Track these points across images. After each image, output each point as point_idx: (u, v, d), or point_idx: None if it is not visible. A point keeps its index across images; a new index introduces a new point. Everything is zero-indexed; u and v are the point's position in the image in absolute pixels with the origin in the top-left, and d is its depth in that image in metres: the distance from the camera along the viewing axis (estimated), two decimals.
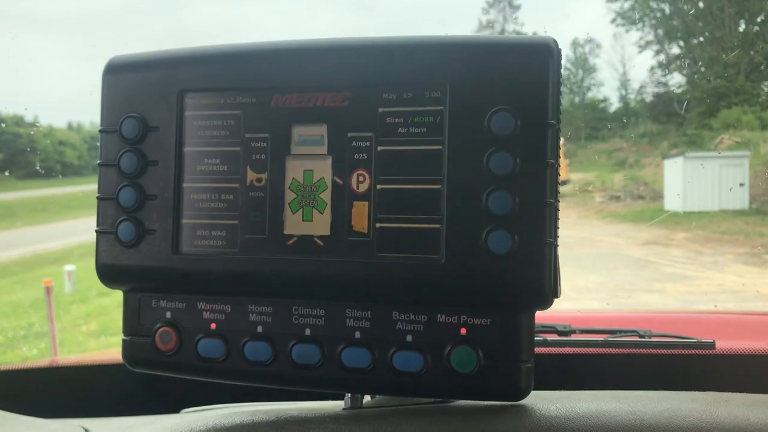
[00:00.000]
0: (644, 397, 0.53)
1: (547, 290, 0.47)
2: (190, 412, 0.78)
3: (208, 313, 0.54)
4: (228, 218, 0.52)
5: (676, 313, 1.19)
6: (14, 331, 5.28)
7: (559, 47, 0.48)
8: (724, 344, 0.86)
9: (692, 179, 9.17)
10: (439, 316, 0.50)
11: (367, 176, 0.50)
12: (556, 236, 0.48)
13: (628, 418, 0.47)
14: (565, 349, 0.88)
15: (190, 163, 0.53)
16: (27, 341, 5.02)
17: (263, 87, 0.52)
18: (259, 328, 0.52)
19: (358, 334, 0.51)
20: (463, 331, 0.49)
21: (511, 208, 0.47)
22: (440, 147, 0.49)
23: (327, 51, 0.51)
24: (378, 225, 0.50)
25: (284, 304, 0.52)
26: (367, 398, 0.56)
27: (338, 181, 0.51)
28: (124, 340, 0.56)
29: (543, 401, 0.51)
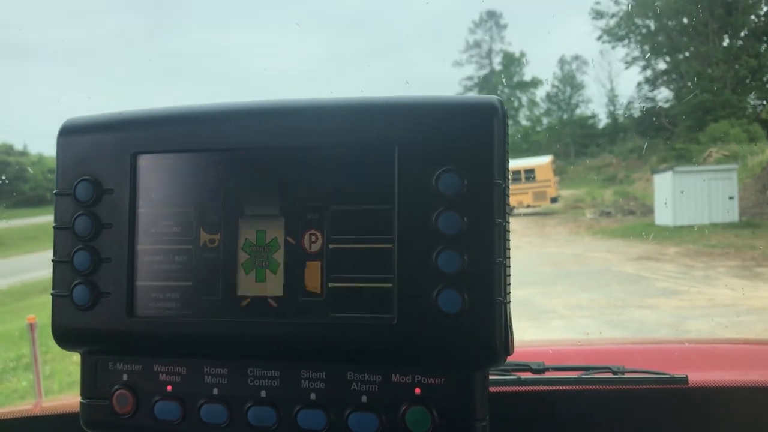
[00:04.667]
0: None
1: (499, 349, 0.47)
2: None
3: (164, 375, 0.53)
4: (182, 279, 0.52)
5: (649, 345, 1.19)
6: (4, 363, 5.24)
7: (505, 107, 0.49)
8: (696, 377, 0.86)
9: (681, 193, 9.21)
10: (393, 376, 0.50)
11: (319, 236, 0.50)
12: (506, 294, 0.48)
13: None
14: (539, 387, 0.88)
15: (143, 225, 0.53)
16: (16, 373, 4.98)
17: (213, 147, 0.52)
18: (215, 390, 0.52)
19: (313, 396, 0.51)
20: (418, 390, 0.49)
21: (459, 266, 0.47)
22: (390, 206, 0.49)
23: (277, 112, 0.52)
24: (331, 285, 0.50)
25: (239, 365, 0.52)
26: None
27: (291, 241, 0.51)
28: (81, 403, 0.55)
29: None
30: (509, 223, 0.49)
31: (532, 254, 9.12)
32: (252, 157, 0.51)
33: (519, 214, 11.97)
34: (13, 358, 5.30)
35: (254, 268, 0.51)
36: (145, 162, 0.53)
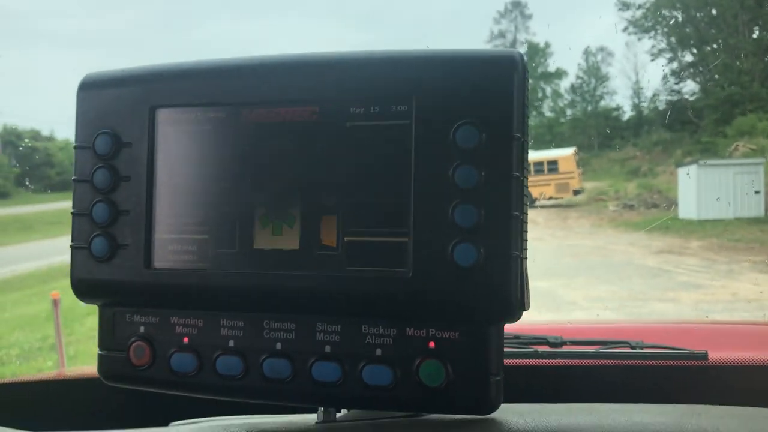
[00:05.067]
0: (617, 410, 0.52)
1: (514, 303, 0.47)
2: (178, 425, 0.79)
3: (180, 327, 0.54)
4: (199, 232, 0.53)
5: (669, 324, 1.17)
6: (30, 344, 5.33)
7: (525, 61, 0.48)
8: (716, 355, 0.85)
9: (706, 187, 9.10)
10: (408, 329, 0.50)
11: (334, 189, 0.50)
12: (522, 249, 0.48)
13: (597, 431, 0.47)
14: (556, 360, 0.88)
15: (161, 178, 0.53)
16: (42, 353, 5.06)
17: (232, 102, 0.52)
18: (231, 343, 0.53)
19: (328, 348, 0.51)
20: (432, 344, 0.49)
21: (476, 220, 0.47)
22: (407, 159, 0.48)
23: (295, 66, 0.51)
24: (347, 239, 0.50)
25: (255, 318, 0.52)
26: (342, 412, 0.56)
27: (307, 194, 0.51)
28: (99, 355, 0.56)
29: (512, 414, 0.50)
30: (527, 178, 0.49)
31: (554, 246, 9.07)
32: (267, 111, 0.51)
33: (541, 206, 11.89)
34: (38, 339, 5.39)
35: (271, 222, 0.51)
36: (163, 116, 0.53)
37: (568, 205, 11.91)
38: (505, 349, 0.90)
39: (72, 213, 0.55)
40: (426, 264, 0.48)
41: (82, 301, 0.55)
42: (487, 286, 0.47)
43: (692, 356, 0.84)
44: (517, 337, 0.92)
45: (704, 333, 1.04)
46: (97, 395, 0.86)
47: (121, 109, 0.54)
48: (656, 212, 10.79)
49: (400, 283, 0.48)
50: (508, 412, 0.51)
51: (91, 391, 0.86)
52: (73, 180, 0.55)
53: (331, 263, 0.50)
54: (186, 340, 0.53)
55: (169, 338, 0.54)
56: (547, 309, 5.62)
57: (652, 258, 8.16)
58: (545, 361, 0.88)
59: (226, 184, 0.52)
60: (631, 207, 11.10)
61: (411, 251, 0.48)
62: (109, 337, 0.56)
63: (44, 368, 4.66)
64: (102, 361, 0.56)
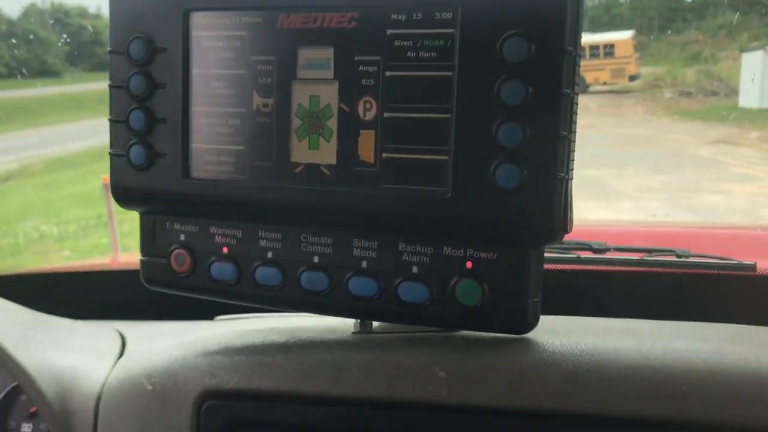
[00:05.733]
0: (656, 332, 0.51)
1: (556, 227, 0.45)
2: (222, 319, 0.81)
3: (220, 237, 0.54)
4: (236, 143, 0.52)
5: (718, 230, 1.14)
6: (86, 221, 5.53)
7: None
8: (765, 265, 0.83)
9: None
10: (445, 248, 0.49)
11: (374, 103, 0.48)
12: (568, 170, 0.46)
13: (632, 357, 0.46)
14: (599, 267, 0.87)
15: (197, 86, 0.52)
16: (97, 230, 5.25)
17: (269, 6, 0.50)
18: (269, 254, 0.53)
19: (364, 264, 0.50)
20: (469, 264, 0.48)
21: (521, 140, 0.45)
22: (450, 73, 0.46)
23: None
24: (384, 155, 0.48)
25: (294, 231, 0.52)
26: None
27: (345, 108, 0.49)
28: (141, 260, 0.57)
29: (549, 335, 0.50)
30: (578, 95, 0.46)
31: (606, 134, 8.86)
32: (305, 16, 0.49)
33: (594, 92, 11.55)
34: (94, 216, 5.58)
35: (307, 135, 0.50)
36: (197, 20, 0.51)
37: (623, 92, 11.52)
38: (546, 254, 0.90)
39: (109, 119, 0.54)
40: (466, 184, 0.46)
41: (122, 207, 0.56)
42: (528, 210, 0.45)
43: (740, 267, 0.82)
44: (561, 241, 0.91)
45: (753, 241, 1.01)
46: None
47: (155, 12, 0.52)
48: (715, 100, 10.39)
49: (438, 203, 0.47)
50: (543, 330, 0.50)
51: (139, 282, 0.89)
52: (109, 86, 0.54)
53: (368, 180, 0.49)
54: (225, 249, 0.54)
55: (208, 247, 0.54)
56: (595, 198, 5.57)
57: (707, 148, 7.94)
58: (588, 266, 0.87)
59: (261, 93, 0.51)
60: (689, 94, 10.69)
61: (450, 170, 0.46)
62: (150, 243, 0.56)
63: (99, 244, 4.85)
64: (144, 266, 0.57)
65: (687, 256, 0.86)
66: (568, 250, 0.89)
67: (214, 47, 0.51)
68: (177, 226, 0.55)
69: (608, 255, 0.88)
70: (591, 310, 0.75)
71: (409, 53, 0.47)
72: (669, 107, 10.47)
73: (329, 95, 0.49)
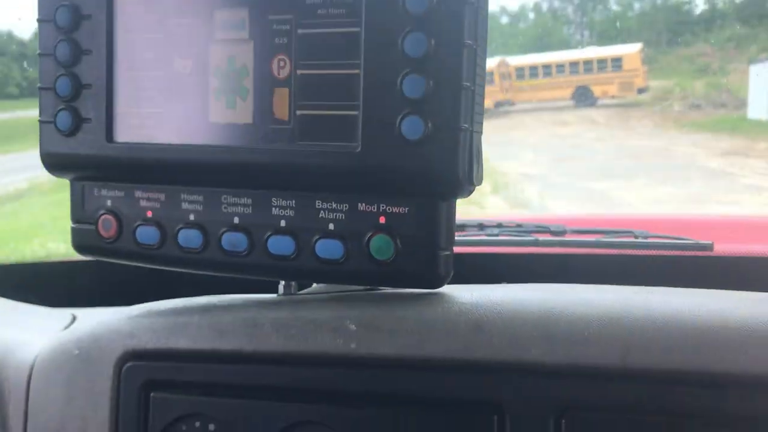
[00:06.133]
0: (572, 288, 0.51)
1: (461, 177, 0.46)
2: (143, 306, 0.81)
3: (144, 201, 0.55)
4: (157, 105, 0.52)
5: (676, 216, 1.14)
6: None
7: None
8: (723, 246, 0.82)
9: None
10: (360, 204, 0.49)
11: (287, 61, 0.49)
12: (473, 122, 0.46)
13: (538, 306, 0.46)
14: (556, 249, 0.87)
15: (122, 51, 0.53)
16: None
17: None
18: (191, 216, 0.53)
19: (283, 223, 0.51)
20: (383, 219, 0.49)
21: (424, 92, 0.45)
22: (358, 29, 0.47)
23: None
24: (299, 112, 0.49)
25: (214, 192, 0.53)
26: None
27: (259, 67, 0.50)
28: (72, 228, 0.58)
29: (463, 290, 0.50)
30: (484, 45, 0.47)
31: (614, 147, 8.84)
32: None
33: (603, 105, 11.54)
34: None
35: (225, 95, 0.51)
36: None
37: (632, 105, 11.50)
38: (505, 237, 0.90)
39: (38, 87, 0.55)
40: (374, 138, 0.46)
41: (51, 174, 0.57)
42: (433, 160, 0.46)
43: (697, 246, 0.82)
44: (519, 225, 0.91)
45: (710, 225, 1.01)
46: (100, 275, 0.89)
47: None
48: (724, 112, 10.34)
49: (350, 157, 0.47)
50: (460, 289, 0.50)
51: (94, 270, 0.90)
52: (38, 54, 0.55)
53: (283, 137, 0.49)
54: (149, 213, 0.54)
55: (134, 211, 0.55)
56: (601, 210, 5.54)
57: (716, 159, 7.89)
58: (546, 249, 0.87)
59: (181, 55, 0.51)
60: (698, 107, 10.65)
61: (360, 125, 0.47)
62: (79, 210, 0.57)
63: None
64: (74, 233, 0.57)
65: (645, 237, 0.85)
66: (527, 232, 0.89)
67: (137, 12, 0.52)
68: (104, 192, 0.56)
69: (566, 237, 0.88)
70: None
71: (320, 10, 0.48)
72: (678, 120, 10.43)
73: (245, 55, 0.50)
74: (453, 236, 0.49)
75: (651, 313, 0.44)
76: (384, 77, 0.46)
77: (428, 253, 0.48)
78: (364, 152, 0.47)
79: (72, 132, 0.54)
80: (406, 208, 0.48)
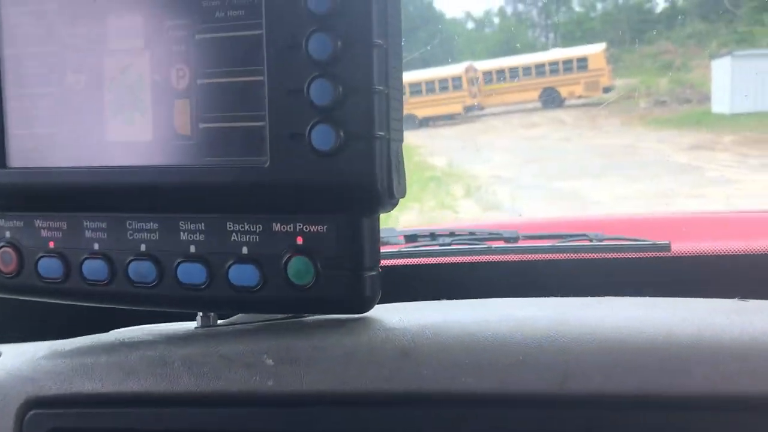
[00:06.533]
0: (511, 305, 0.48)
1: (380, 190, 0.42)
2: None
3: (45, 231, 0.50)
4: (51, 125, 0.48)
5: (632, 216, 1.11)
6: None
7: None
8: (680, 246, 0.79)
9: (741, 79, 8.75)
10: (274, 224, 0.45)
11: (186, 70, 0.45)
12: (390, 129, 0.42)
13: (472, 328, 0.42)
14: (510, 256, 0.83)
15: (9, 68, 0.48)
16: None
17: None
18: (96, 246, 0.49)
19: (192, 248, 0.46)
20: (300, 240, 0.44)
21: (332, 98, 0.41)
22: (259, 32, 0.43)
23: None
24: (202, 125, 0.44)
25: (118, 218, 0.48)
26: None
27: (157, 78, 0.45)
28: None
29: (390, 312, 0.46)
30: (397, 43, 0.43)
31: (582, 146, 8.87)
32: None
33: (570, 106, 11.62)
34: None
35: (122, 111, 0.46)
36: None
37: (598, 104, 11.58)
38: (457, 246, 0.86)
39: None
40: (283, 150, 0.42)
41: None
42: (349, 173, 0.41)
43: (654, 247, 0.79)
44: (471, 233, 0.87)
45: (668, 224, 0.98)
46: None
47: None
48: (688, 108, 10.46)
49: (259, 172, 0.43)
50: (388, 311, 0.46)
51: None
52: None
53: (187, 154, 0.45)
54: (52, 244, 0.50)
55: (35, 243, 0.50)
56: (572, 209, 5.56)
57: (683, 154, 7.96)
58: (500, 256, 0.83)
59: (73, 69, 0.47)
60: (663, 103, 10.75)
61: (267, 137, 0.43)
62: None
63: None
64: None
65: (600, 240, 0.82)
66: (480, 240, 0.85)
67: (23, 23, 0.48)
68: (2, 222, 0.51)
69: (520, 243, 0.84)
70: None
71: (217, 13, 0.43)
72: (644, 117, 10.52)
73: (141, 65, 0.45)
74: (378, 254, 0.45)
75: (592, 331, 0.40)
76: (290, 83, 0.42)
77: (352, 275, 0.44)
78: (274, 167, 0.43)
79: None
80: (325, 227, 0.44)
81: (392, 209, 0.44)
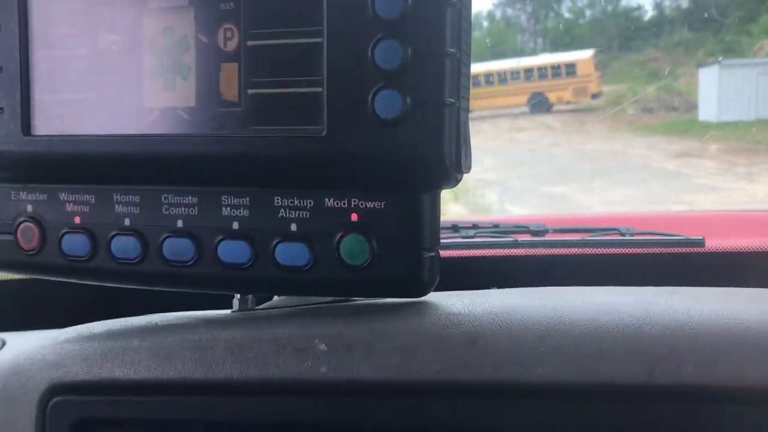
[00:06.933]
0: (581, 291, 0.44)
1: (448, 162, 0.38)
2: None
3: (71, 204, 0.46)
4: (83, 90, 0.44)
5: (663, 213, 1.09)
6: None
7: None
8: (714, 242, 0.77)
9: (727, 88, 8.80)
10: (327, 200, 0.41)
11: (235, 31, 0.41)
12: (460, 97, 0.39)
13: (540, 314, 0.39)
14: (538, 250, 0.80)
15: (37, 26, 0.45)
16: None
17: None
18: (127, 221, 0.45)
19: (236, 225, 0.43)
20: (354, 216, 0.41)
21: (401, 60, 0.38)
22: None
23: None
24: (250, 91, 0.41)
25: (153, 192, 0.44)
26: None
27: (203, 38, 0.42)
28: None
29: (452, 298, 0.43)
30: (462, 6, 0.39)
31: (571, 151, 8.89)
32: None
33: (558, 111, 11.65)
34: None
35: (162, 74, 0.43)
36: None
37: (586, 110, 11.61)
38: (481, 239, 0.83)
39: None
40: (343, 118, 0.39)
41: None
42: (414, 143, 0.38)
43: (688, 242, 0.76)
44: (496, 225, 0.84)
45: (700, 221, 0.95)
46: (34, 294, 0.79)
47: None
48: (676, 115, 10.53)
49: (314, 143, 0.40)
50: (448, 296, 0.43)
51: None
52: None
53: (233, 122, 0.41)
54: (77, 219, 0.46)
55: (59, 217, 0.46)
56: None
57: (670, 161, 8.00)
58: (526, 250, 0.80)
59: (108, 30, 0.43)
60: (650, 110, 10.80)
61: (325, 103, 0.39)
62: None
63: None
64: None
65: (631, 234, 0.79)
66: (505, 233, 0.82)
67: None
68: (23, 195, 0.47)
69: (548, 237, 0.81)
70: None
71: None
72: (632, 123, 10.57)
73: (185, 25, 0.42)
74: (438, 234, 0.42)
75: (680, 318, 0.37)
76: (352, 45, 0.39)
77: (410, 255, 0.40)
78: (331, 136, 0.39)
79: None
80: (383, 203, 0.41)
81: (456, 185, 0.40)
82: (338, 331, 0.40)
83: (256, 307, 0.47)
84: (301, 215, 0.42)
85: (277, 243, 0.42)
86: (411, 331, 0.39)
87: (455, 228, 0.84)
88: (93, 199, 0.46)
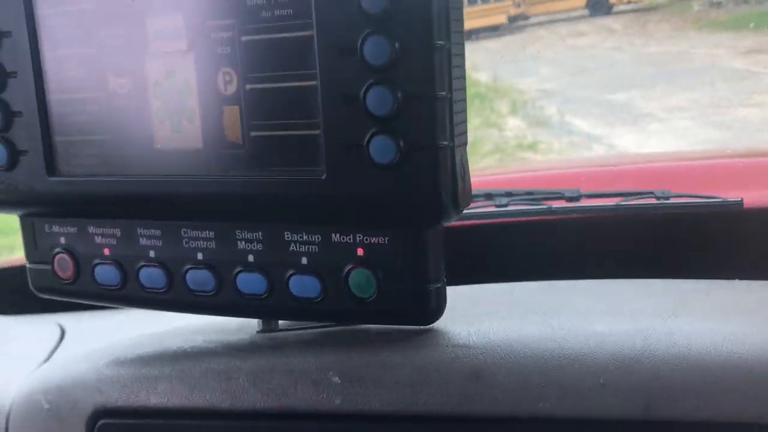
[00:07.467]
0: (605, 316, 0.45)
1: (445, 203, 0.39)
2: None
3: (100, 237, 0.49)
4: (98, 132, 0.46)
5: (698, 162, 1.05)
6: None
7: None
8: (752, 200, 0.75)
9: None
10: (333, 235, 0.43)
11: (234, 75, 0.42)
12: (454, 135, 0.39)
13: (545, 347, 0.40)
14: (573, 216, 0.80)
15: (51, 71, 0.46)
16: None
17: None
18: (152, 253, 0.47)
19: (251, 258, 0.45)
20: (360, 251, 0.42)
21: (391, 106, 0.38)
22: (310, 32, 0.39)
23: None
24: (253, 133, 0.42)
25: (172, 226, 0.47)
26: None
27: (204, 82, 0.42)
28: (28, 268, 0.52)
29: (457, 324, 0.44)
30: (461, 44, 0.39)
31: (632, 54, 8.56)
32: None
33: (619, 12, 11.15)
34: None
35: (169, 117, 0.44)
36: None
37: (648, 9, 11.09)
38: (515, 207, 0.83)
39: None
40: (341, 162, 0.40)
41: None
42: (410, 186, 0.39)
43: (725, 204, 0.74)
44: (529, 192, 0.84)
45: (737, 172, 0.92)
46: None
47: None
48: (747, 8, 9.94)
49: (315, 185, 0.41)
50: (450, 321, 0.44)
51: None
52: None
53: (239, 162, 0.43)
54: (107, 251, 0.49)
55: (90, 249, 0.49)
56: (623, 123, 5.43)
57: (739, 59, 7.61)
58: (561, 216, 0.80)
59: (115, 73, 0.44)
60: (718, 4, 10.23)
61: (323, 147, 0.40)
62: (32, 248, 0.51)
63: None
64: (31, 274, 0.52)
65: (667, 197, 0.78)
66: (539, 200, 0.82)
67: (61, 24, 0.45)
68: (56, 228, 0.50)
69: (583, 202, 0.81)
70: (568, 265, 0.69)
71: (264, 13, 0.40)
72: (697, 20, 10.06)
73: (185, 69, 0.43)
74: (442, 266, 0.42)
75: (678, 349, 0.38)
76: (345, 90, 0.39)
77: (416, 288, 0.42)
78: (331, 179, 0.40)
79: (9, 166, 0.48)
80: (386, 238, 0.42)
81: (455, 218, 0.41)
82: (351, 362, 0.42)
83: (279, 325, 0.50)
84: (310, 249, 0.43)
85: (291, 275, 0.44)
86: (418, 366, 0.41)
87: (489, 196, 0.84)
88: (119, 233, 0.48)
